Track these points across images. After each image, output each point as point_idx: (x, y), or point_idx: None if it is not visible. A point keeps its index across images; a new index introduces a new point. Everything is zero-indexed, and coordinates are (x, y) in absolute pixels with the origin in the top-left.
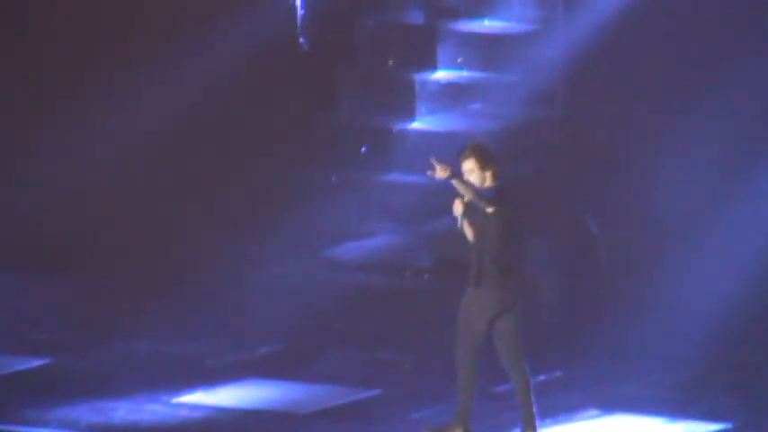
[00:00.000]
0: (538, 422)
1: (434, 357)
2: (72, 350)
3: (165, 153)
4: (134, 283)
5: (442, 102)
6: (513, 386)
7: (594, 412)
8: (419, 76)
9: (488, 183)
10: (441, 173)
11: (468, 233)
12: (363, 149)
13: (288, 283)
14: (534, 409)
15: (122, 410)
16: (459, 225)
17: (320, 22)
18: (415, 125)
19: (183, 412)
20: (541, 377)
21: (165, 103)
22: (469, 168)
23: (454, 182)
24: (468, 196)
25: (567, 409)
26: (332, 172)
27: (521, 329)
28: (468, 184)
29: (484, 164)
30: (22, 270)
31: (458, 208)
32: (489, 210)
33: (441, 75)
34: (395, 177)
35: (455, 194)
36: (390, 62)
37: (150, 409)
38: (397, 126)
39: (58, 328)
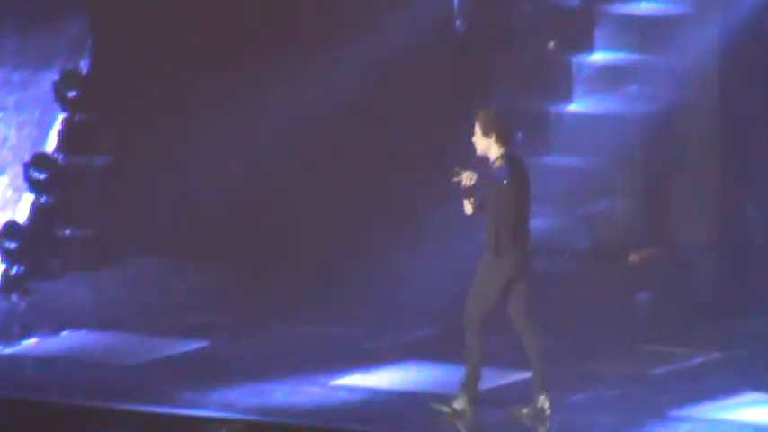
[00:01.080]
0: (694, 405)
1: (592, 341)
2: (229, 333)
3: (323, 139)
4: (292, 267)
5: (599, 84)
6: (527, 349)
7: (752, 396)
8: (576, 59)
9: (493, 149)
10: (466, 180)
11: (470, 208)
12: (520, 134)
13: (446, 266)
14: (547, 373)
15: (280, 393)
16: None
17: (477, 4)
18: (572, 108)
19: (341, 394)
20: (698, 359)
21: (324, 90)
22: (475, 132)
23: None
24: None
25: (724, 392)
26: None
27: (531, 294)
28: (486, 184)
29: (485, 129)
30: (181, 256)
31: (467, 180)
32: (504, 182)
33: (597, 57)
34: (552, 160)
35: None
36: (551, 45)
37: (308, 391)
38: (554, 109)
39: (216, 312)
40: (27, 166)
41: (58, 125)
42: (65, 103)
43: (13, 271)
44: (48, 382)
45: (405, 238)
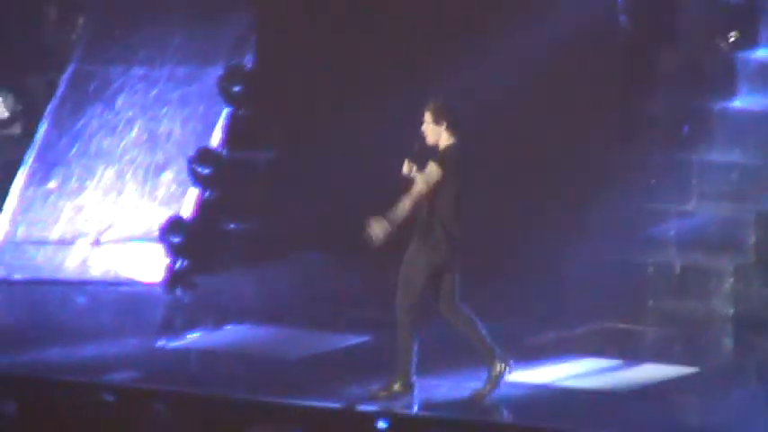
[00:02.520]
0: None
1: (754, 335)
2: (391, 328)
3: (483, 135)
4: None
5: (763, 81)
6: (463, 331)
7: None
8: (740, 55)
9: (443, 138)
10: (406, 169)
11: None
12: (685, 130)
13: (607, 262)
14: (489, 342)
15: (444, 387)
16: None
17: (641, 1)
18: (736, 104)
19: (503, 389)
20: None
21: (490, 88)
22: (426, 120)
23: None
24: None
25: None
26: (652, 152)
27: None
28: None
29: (437, 118)
30: (345, 250)
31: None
32: (438, 169)
33: (762, 53)
34: (715, 157)
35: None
36: (722, 43)
37: (470, 386)
38: (718, 106)
39: (380, 307)
40: (192, 161)
41: (222, 120)
42: (229, 98)
43: (178, 265)
44: (211, 375)
45: (566, 234)
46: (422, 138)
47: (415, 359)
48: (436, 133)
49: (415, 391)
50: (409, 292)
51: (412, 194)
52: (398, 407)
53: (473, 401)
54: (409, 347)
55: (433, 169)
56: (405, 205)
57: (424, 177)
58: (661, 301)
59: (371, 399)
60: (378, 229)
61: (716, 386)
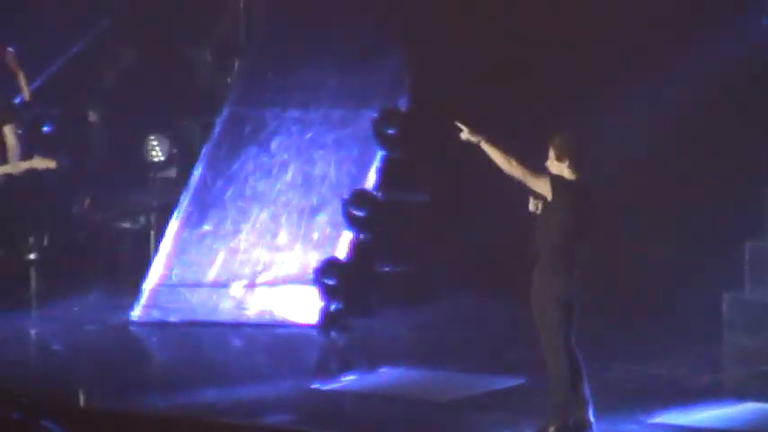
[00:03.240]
0: None
1: None
2: (544, 369)
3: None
4: (604, 303)
5: None
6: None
7: None
8: None
9: (565, 174)
10: (466, 135)
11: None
12: None
13: (757, 303)
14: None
15: (596, 430)
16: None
17: None
18: None
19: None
20: None
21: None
22: (549, 156)
23: (482, 146)
24: (496, 160)
25: None
26: None
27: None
28: (495, 149)
29: (558, 154)
30: (498, 291)
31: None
32: (548, 197)
33: None
34: None
35: None
36: None
37: (626, 429)
38: None
39: (533, 348)
40: (346, 203)
41: (377, 162)
42: (384, 141)
43: (333, 307)
44: (366, 419)
45: (719, 271)
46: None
47: (582, 398)
48: (558, 170)
49: None
50: (550, 333)
51: (504, 159)
52: None
53: None
54: (562, 390)
55: (542, 179)
56: (498, 155)
57: (527, 173)
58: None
59: None
60: (470, 134)
61: None
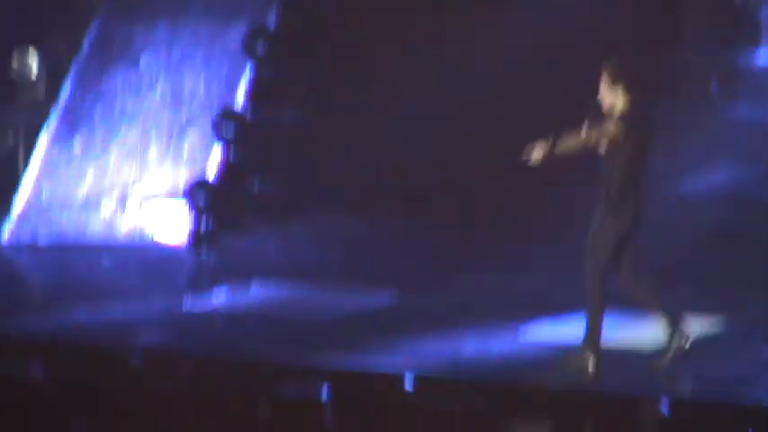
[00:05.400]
0: None
1: None
2: (420, 287)
3: (504, 90)
4: (478, 218)
5: None
6: (645, 303)
7: None
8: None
9: (620, 101)
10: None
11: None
12: (713, 84)
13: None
14: (673, 313)
15: (470, 347)
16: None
17: None
18: (762, 60)
19: (533, 347)
20: None
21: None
22: (603, 81)
23: (554, 152)
24: (570, 150)
25: None
26: (678, 107)
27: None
28: (561, 145)
29: (614, 78)
30: (368, 210)
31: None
32: (615, 128)
33: None
34: (741, 111)
35: None
36: None
37: (499, 344)
38: (744, 61)
39: (406, 266)
40: (216, 121)
41: (246, 80)
42: (253, 58)
43: (203, 226)
44: (237, 336)
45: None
46: (599, 101)
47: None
48: (613, 95)
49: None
50: (598, 263)
51: (582, 137)
52: (424, 367)
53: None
54: (596, 319)
55: (611, 126)
56: (572, 141)
57: (598, 131)
58: (691, 256)
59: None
60: (538, 149)
61: (745, 344)
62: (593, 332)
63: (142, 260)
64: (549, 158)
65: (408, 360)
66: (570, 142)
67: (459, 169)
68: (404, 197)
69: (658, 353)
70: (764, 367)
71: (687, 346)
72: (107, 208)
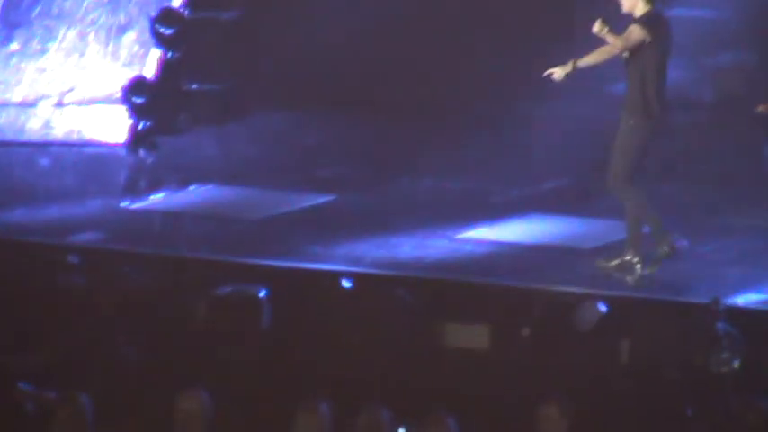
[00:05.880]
0: None
1: (718, 190)
2: (356, 187)
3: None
4: (415, 120)
5: None
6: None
7: None
8: None
9: (639, 5)
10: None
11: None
12: None
13: (570, 118)
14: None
15: (407, 246)
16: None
17: None
18: None
19: (467, 247)
20: None
21: None
22: None
23: (580, 65)
24: (598, 60)
25: None
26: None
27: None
28: (588, 58)
29: None
30: (307, 109)
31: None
32: (640, 31)
33: None
34: (677, 12)
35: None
36: None
37: (435, 244)
38: None
39: (343, 165)
40: (154, 21)
41: None
42: None
43: (141, 126)
44: (175, 236)
45: (532, 87)
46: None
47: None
48: (631, 1)
49: (380, 251)
50: (627, 164)
51: (607, 48)
52: (361, 266)
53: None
54: (637, 218)
55: (634, 30)
56: (597, 54)
57: (623, 37)
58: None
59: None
60: (560, 68)
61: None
62: (632, 231)
63: (80, 159)
64: (573, 73)
65: (345, 258)
66: (595, 55)
67: (398, 70)
68: (342, 96)
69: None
70: (700, 264)
71: (674, 255)
72: (45, 108)
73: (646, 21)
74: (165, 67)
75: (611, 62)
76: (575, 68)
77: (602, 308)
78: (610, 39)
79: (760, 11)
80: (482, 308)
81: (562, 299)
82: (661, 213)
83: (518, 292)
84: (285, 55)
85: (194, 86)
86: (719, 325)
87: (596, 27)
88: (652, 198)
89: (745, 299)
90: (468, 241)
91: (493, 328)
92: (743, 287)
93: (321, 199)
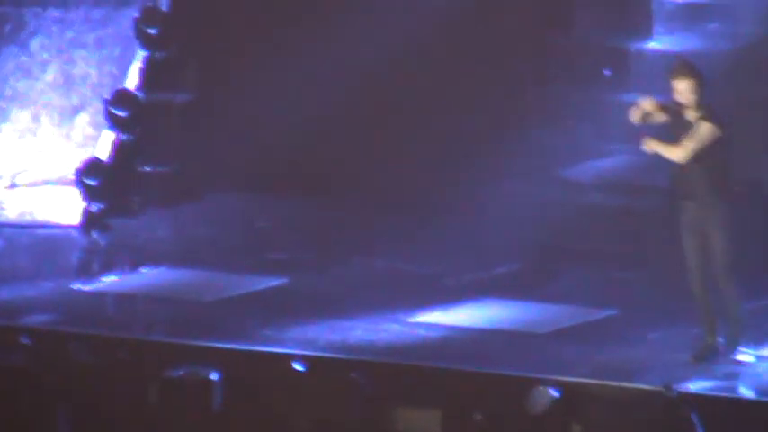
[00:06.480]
0: None
1: (670, 276)
2: (309, 269)
3: (395, 75)
4: (368, 203)
5: (680, 21)
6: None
7: None
8: None
9: (694, 97)
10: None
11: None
12: (606, 72)
13: (524, 203)
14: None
15: (359, 330)
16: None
17: None
18: (652, 45)
19: (420, 331)
20: None
21: (395, 25)
22: (683, 89)
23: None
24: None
25: None
26: (568, 91)
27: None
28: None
29: (699, 83)
30: (260, 191)
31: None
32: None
33: None
34: (632, 98)
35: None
36: None
37: (387, 328)
38: (634, 46)
39: (295, 248)
40: (108, 104)
41: (138, 62)
42: (145, 41)
43: (94, 208)
44: (128, 318)
45: (486, 172)
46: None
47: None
48: (689, 96)
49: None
50: (732, 248)
51: (680, 150)
52: (313, 349)
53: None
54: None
55: (705, 129)
56: (670, 150)
57: (696, 139)
58: (578, 241)
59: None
60: (650, 142)
61: (632, 327)
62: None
63: (33, 240)
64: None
65: (298, 341)
66: (668, 149)
67: (351, 153)
68: (294, 178)
69: None
70: (652, 350)
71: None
72: None
73: (711, 115)
74: (118, 148)
75: (566, 143)
76: (655, 149)
77: (554, 393)
78: (666, 151)
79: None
80: (435, 392)
81: (515, 383)
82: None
83: (471, 376)
84: (238, 138)
85: (147, 168)
86: (674, 411)
87: (646, 145)
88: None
89: (696, 385)
90: (420, 325)
91: (445, 413)
92: (694, 373)
93: (273, 282)
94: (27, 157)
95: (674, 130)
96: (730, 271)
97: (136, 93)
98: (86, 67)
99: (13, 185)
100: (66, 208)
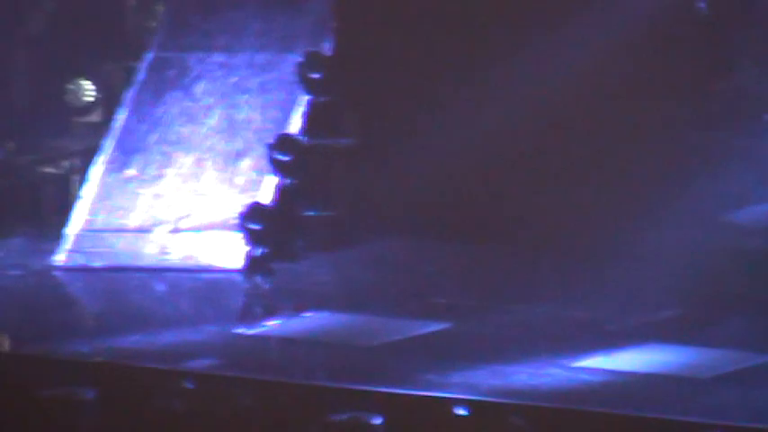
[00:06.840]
0: None
1: None
2: (472, 315)
3: (558, 120)
4: (530, 248)
5: None
6: None
7: None
8: None
9: None
10: None
11: None
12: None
13: (687, 247)
14: None
15: (523, 374)
16: None
17: None
18: None
19: (583, 376)
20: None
21: (558, 69)
22: None
23: None
24: None
25: None
26: (729, 137)
27: None
28: None
29: None
30: (423, 236)
31: None
32: None
33: None
34: None
35: None
36: None
37: (550, 372)
38: None
39: (459, 294)
40: (271, 148)
41: (301, 107)
42: (308, 85)
43: (257, 252)
44: (291, 363)
45: (648, 216)
46: None
47: None
48: None
49: (495, 379)
50: None
51: None
52: (476, 394)
53: None
54: None
55: None
56: None
57: None
58: (742, 286)
59: None
60: None
61: None
62: None
63: (196, 284)
64: None
65: (460, 386)
66: None
67: (514, 195)
68: (461, 223)
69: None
70: None
71: None
72: (161, 233)
73: None
74: (281, 193)
75: (728, 188)
76: None
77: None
78: None
79: None
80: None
81: (680, 428)
82: None
83: (632, 420)
84: (400, 182)
85: (311, 213)
86: None
87: None
88: None
89: None
90: (583, 370)
91: None
92: None
93: (436, 327)
94: (190, 202)
95: None
96: None
97: (299, 137)
98: (250, 111)
99: (176, 230)
100: (229, 252)
